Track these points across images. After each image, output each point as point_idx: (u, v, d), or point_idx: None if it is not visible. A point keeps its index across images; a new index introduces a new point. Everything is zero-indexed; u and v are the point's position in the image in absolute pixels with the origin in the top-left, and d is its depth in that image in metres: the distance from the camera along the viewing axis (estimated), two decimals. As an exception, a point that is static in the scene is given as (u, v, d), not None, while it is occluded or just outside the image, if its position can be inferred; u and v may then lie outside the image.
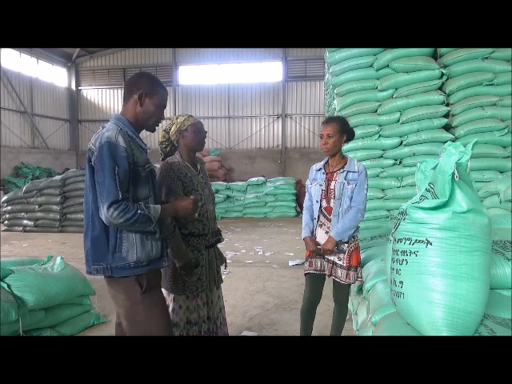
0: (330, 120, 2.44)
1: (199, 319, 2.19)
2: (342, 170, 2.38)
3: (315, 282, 2.48)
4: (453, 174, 1.34)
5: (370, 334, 1.98)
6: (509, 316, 1.49)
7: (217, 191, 10.72)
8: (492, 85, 4.24)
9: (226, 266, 2.43)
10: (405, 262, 1.45)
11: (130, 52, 18.01)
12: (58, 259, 3.18)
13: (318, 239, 2.45)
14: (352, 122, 4.20)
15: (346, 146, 3.94)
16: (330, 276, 2.44)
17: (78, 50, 17.92)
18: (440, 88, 4.39)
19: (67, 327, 3.05)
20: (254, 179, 11.24)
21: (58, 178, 8.84)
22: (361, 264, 2.47)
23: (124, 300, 1.74)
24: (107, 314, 3.48)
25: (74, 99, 18.71)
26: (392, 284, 1.54)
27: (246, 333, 3.11)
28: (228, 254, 6.00)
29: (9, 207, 9.03)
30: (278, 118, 17.21)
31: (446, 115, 4.33)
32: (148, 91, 1.74)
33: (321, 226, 2.44)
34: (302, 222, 2.53)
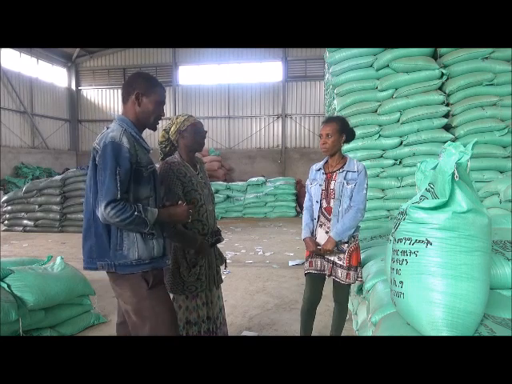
0: (329, 120, 2.45)
1: (199, 319, 2.19)
2: (341, 170, 2.38)
3: (315, 282, 2.48)
4: (453, 173, 1.34)
5: (369, 333, 1.98)
6: (509, 316, 1.49)
7: (217, 191, 10.72)
8: (492, 85, 4.24)
9: (225, 266, 2.42)
10: (405, 262, 1.45)
11: (130, 52, 18.01)
12: (58, 259, 3.18)
13: (318, 239, 2.45)
14: (352, 122, 4.20)
15: (346, 146, 3.93)
16: (329, 276, 2.44)
17: (77, 50, 17.92)
18: (440, 88, 4.38)
19: (67, 327, 3.05)
20: (254, 179, 11.24)
21: (57, 178, 8.85)
22: (361, 264, 2.47)
23: (130, 297, 1.77)
24: (107, 314, 3.48)
25: (73, 99, 18.71)
26: (392, 284, 1.54)
27: (245, 333, 3.11)
28: (228, 254, 6.00)
29: (9, 207, 9.03)
30: (277, 118, 17.21)
31: (446, 115, 4.33)
32: (144, 90, 1.77)
33: (321, 226, 2.44)
34: (302, 222, 2.53)
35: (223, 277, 2.51)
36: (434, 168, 1.47)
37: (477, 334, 1.35)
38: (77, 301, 3.16)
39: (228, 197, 10.95)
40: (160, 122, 1.92)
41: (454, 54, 4.29)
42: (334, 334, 2.61)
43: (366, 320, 2.22)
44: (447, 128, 4.38)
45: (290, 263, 5.47)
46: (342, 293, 2.50)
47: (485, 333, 1.34)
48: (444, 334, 1.31)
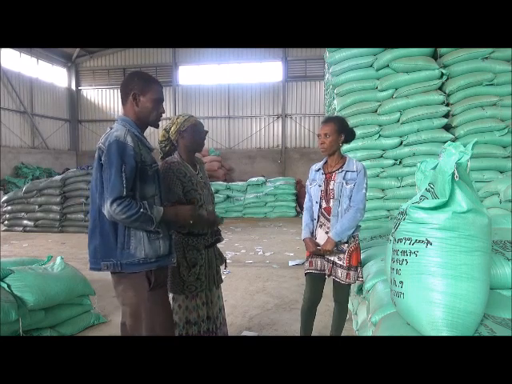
0: (327, 120, 2.44)
1: (198, 319, 2.19)
2: (340, 170, 2.38)
3: (315, 282, 2.48)
4: (453, 174, 1.34)
5: (369, 333, 1.98)
6: (509, 316, 1.49)
7: (217, 191, 10.72)
8: (492, 85, 4.24)
9: (225, 266, 2.43)
10: (405, 262, 1.45)
11: (130, 52, 18.01)
12: (58, 259, 3.18)
13: (318, 240, 2.44)
14: (352, 122, 4.20)
15: (346, 146, 3.93)
16: (330, 276, 2.44)
17: (77, 49, 17.92)
18: (440, 88, 4.38)
19: (67, 327, 3.05)
20: (254, 179, 11.24)
21: (57, 178, 8.84)
22: (361, 264, 2.47)
23: (132, 297, 1.78)
24: (107, 314, 3.48)
25: (73, 99, 18.71)
26: (392, 284, 1.54)
27: (245, 333, 3.11)
28: (228, 254, 6.00)
29: (9, 207, 9.02)
30: (277, 118, 17.21)
31: (446, 115, 4.33)
32: (140, 90, 1.78)
33: (321, 226, 2.44)
34: (302, 223, 2.53)
35: (223, 277, 2.51)
36: (434, 168, 1.47)
37: (477, 334, 1.35)
38: (77, 301, 3.15)
39: (228, 197, 10.95)
40: (160, 121, 1.92)
41: (454, 54, 4.29)
42: (334, 333, 2.61)
43: (366, 320, 2.22)
44: (447, 128, 4.38)
45: (290, 263, 5.47)
46: (342, 293, 2.50)
47: (485, 333, 1.34)
48: (444, 334, 1.31)
